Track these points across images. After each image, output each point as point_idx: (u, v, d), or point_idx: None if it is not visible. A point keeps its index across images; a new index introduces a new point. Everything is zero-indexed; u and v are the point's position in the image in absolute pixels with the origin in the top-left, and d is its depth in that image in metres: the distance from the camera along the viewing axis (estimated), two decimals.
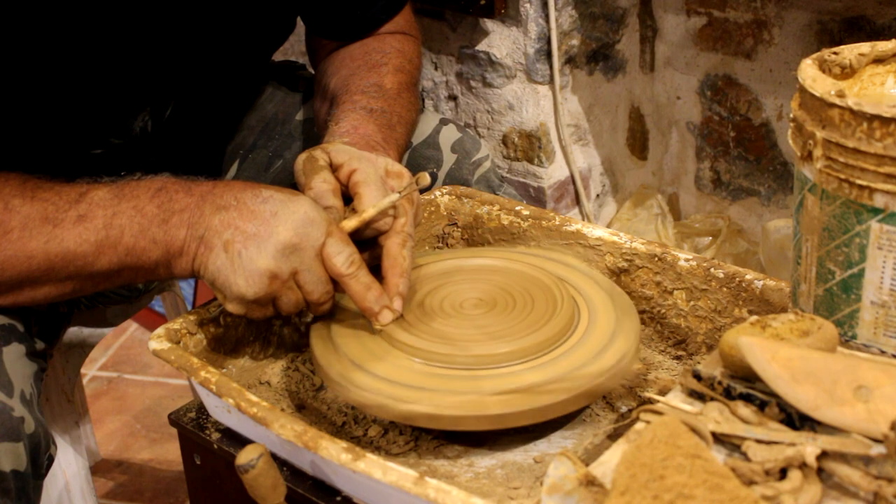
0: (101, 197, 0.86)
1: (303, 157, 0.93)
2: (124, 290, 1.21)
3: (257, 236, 0.83)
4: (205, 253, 0.84)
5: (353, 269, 0.84)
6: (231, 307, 0.85)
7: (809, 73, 0.75)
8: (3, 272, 0.85)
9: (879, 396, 0.66)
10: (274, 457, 0.75)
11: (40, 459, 0.89)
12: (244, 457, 0.71)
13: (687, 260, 0.94)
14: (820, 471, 0.66)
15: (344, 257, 0.84)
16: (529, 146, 1.81)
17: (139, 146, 1.05)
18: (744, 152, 1.81)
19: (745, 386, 0.72)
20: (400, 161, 1.03)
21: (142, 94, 1.02)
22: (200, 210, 0.85)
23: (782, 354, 0.69)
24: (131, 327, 2.13)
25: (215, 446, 0.85)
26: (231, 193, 0.85)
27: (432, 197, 1.08)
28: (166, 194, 0.86)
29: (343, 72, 1.10)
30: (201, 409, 0.88)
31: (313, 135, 1.18)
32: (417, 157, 1.14)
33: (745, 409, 0.71)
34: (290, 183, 1.16)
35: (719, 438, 0.71)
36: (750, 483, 0.65)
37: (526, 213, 1.04)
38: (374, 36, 1.15)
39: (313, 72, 1.22)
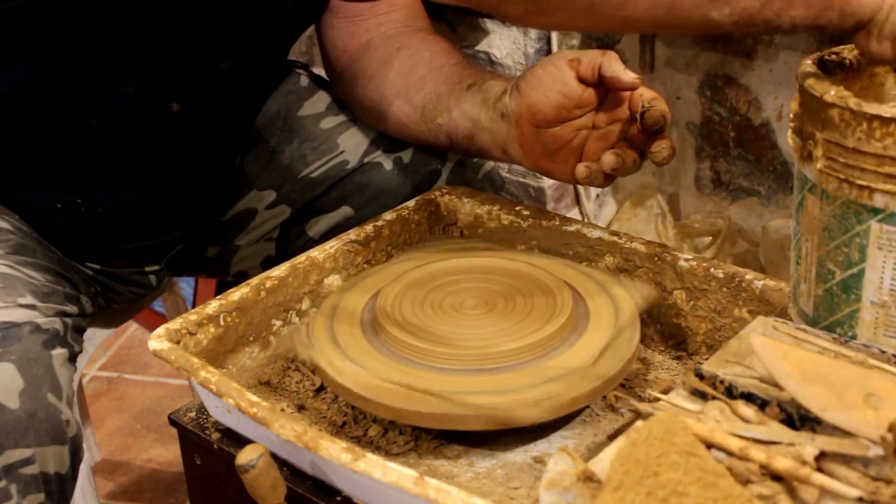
0: None
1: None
2: (138, 289, 1.21)
3: None
4: None
5: None
6: None
7: (809, 72, 0.75)
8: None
9: (890, 406, 0.66)
10: (274, 457, 0.75)
11: (77, 462, 0.90)
12: (244, 457, 0.71)
13: (687, 260, 0.94)
14: (819, 472, 0.66)
15: None
16: None
17: (166, 121, 1.06)
18: (744, 152, 1.81)
19: (748, 376, 0.72)
20: None
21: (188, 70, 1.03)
22: None
23: (794, 356, 0.70)
24: (131, 327, 2.13)
25: (215, 446, 0.85)
26: None
27: (432, 197, 1.08)
28: None
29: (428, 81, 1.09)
30: (201, 409, 0.88)
31: (316, 131, 1.18)
32: (422, 154, 1.15)
33: (745, 409, 0.71)
34: (292, 178, 1.17)
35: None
36: (746, 482, 0.65)
37: (526, 213, 1.04)
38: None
39: (323, 71, 1.22)
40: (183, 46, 1.00)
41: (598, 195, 1.94)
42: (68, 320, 0.97)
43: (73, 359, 0.96)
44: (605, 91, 0.95)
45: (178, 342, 0.86)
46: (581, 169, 0.95)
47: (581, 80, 0.94)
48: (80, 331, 1.02)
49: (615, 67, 0.91)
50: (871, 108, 0.69)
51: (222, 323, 0.90)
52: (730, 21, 0.76)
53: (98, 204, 1.07)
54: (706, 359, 0.80)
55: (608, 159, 0.93)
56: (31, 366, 0.88)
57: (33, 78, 0.99)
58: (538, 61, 0.96)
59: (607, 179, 0.95)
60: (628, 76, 0.91)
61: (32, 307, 0.93)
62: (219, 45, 1.03)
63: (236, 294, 0.92)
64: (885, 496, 0.63)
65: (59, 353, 0.92)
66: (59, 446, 0.87)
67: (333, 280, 0.99)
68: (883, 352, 0.73)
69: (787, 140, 0.97)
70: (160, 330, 0.86)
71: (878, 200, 0.71)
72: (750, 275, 0.90)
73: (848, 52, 0.81)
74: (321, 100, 1.21)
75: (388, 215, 1.05)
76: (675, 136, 1.90)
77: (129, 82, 1.00)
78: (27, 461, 0.85)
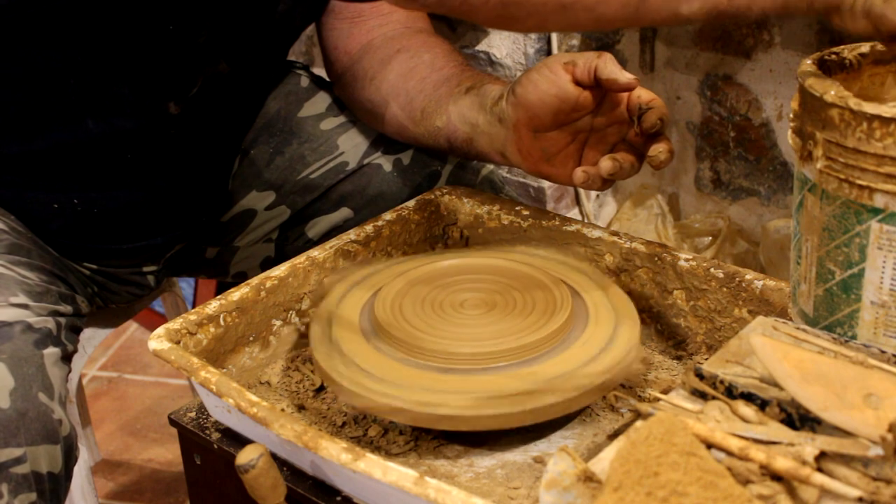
0: None
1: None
2: (136, 289, 1.21)
3: None
4: None
5: None
6: None
7: (809, 73, 0.75)
8: None
9: (890, 406, 0.66)
10: (274, 457, 0.75)
11: (71, 461, 0.90)
12: (244, 457, 0.71)
13: (687, 260, 0.94)
14: (819, 471, 0.66)
15: None
16: None
17: (165, 122, 1.06)
18: (744, 152, 1.81)
19: (748, 376, 0.72)
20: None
21: (185, 70, 1.03)
22: None
23: (794, 356, 0.70)
24: (131, 327, 2.13)
25: (215, 446, 0.85)
26: None
27: (432, 197, 1.08)
28: None
29: (427, 83, 1.10)
30: (201, 409, 0.88)
31: (316, 132, 1.18)
32: (421, 156, 1.15)
33: (745, 409, 0.71)
34: (291, 179, 1.17)
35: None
36: (746, 482, 0.65)
37: (526, 213, 1.04)
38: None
39: (324, 71, 1.22)
40: (177, 48, 1.00)
41: (598, 195, 1.93)
42: (62, 320, 0.97)
43: (66, 358, 0.96)
44: (603, 93, 0.94)
45: (178, 342, 0.86)
46: (579, 174, 0.95)
47: (577, 82, 0.93)
48: (75, 330, 1.02)
49: (611, 69, 0.91)
50: (871, 108, 0.69)
51: (222, 323, 0.90)
52: (699, 15, 0.77)
53: (95, 204, 1.07)
54: (706, 359, 0.80)
55: (605, 164, 0.93)
56: (22, 365, 0.88)
57: (27, 79, 0.99)
58: (534, 65, 0.96)
59: (605, 184, 0.95)
60: (625, 77, 0.91)
61: (25, 306, 0.93)
62: (213, 47, 1.03)
63: (236, 294, 0.92)
64: (885, 496, 0.63)
65: (52, 352, 0.92)
66: (50, 445, 0.87)
67: (333, 280, 0.99)
68: (883, 352, 0.73)
69: (787, 140, 0.97)
70: (160, 330, 0.86)
71: (878, 200, 0.71)
72: (750, 275, 0.90)
73: (848, 52, 0.81)
74: (321, 101, 1.21)
75: (388, 215, 1.05)
76: (675, 136, 1.90)
77: (124, 84, 1.00)
78: (18, 460, 0.85)
